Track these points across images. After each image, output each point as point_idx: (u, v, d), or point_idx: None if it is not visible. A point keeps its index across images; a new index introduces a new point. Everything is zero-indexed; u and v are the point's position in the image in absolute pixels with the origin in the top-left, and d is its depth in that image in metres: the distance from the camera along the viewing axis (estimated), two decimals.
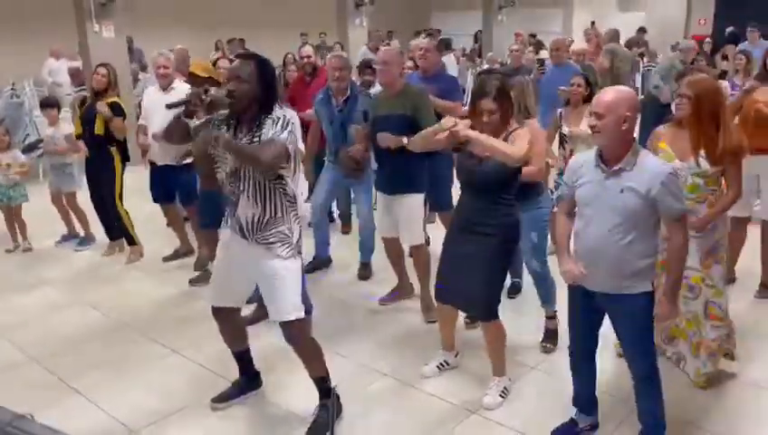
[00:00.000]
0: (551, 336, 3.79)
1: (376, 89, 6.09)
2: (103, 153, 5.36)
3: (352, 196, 5.44)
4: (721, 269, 3.33)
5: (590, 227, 2.62)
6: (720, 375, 3.41)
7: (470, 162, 3.13)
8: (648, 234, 2.59)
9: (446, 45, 10.97)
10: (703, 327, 3.33)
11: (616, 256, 2.56)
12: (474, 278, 3.15)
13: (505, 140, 3.07)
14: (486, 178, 3.08)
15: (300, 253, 2.99)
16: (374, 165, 4.62)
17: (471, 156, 3.13)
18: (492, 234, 3.10)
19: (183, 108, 2.82)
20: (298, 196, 3.00)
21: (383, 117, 4.03)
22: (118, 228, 5.59)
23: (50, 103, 5.89)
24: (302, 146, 4.21)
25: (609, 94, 2.56)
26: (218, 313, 3.15)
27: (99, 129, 5.29)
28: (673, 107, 3.51)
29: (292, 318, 2.91)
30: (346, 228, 6.01)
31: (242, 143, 2.77)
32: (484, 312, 3.24)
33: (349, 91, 4.67)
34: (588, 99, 4.72)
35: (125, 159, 5.48)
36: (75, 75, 9.23)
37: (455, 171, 3.68)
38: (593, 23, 14.01)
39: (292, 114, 3.00)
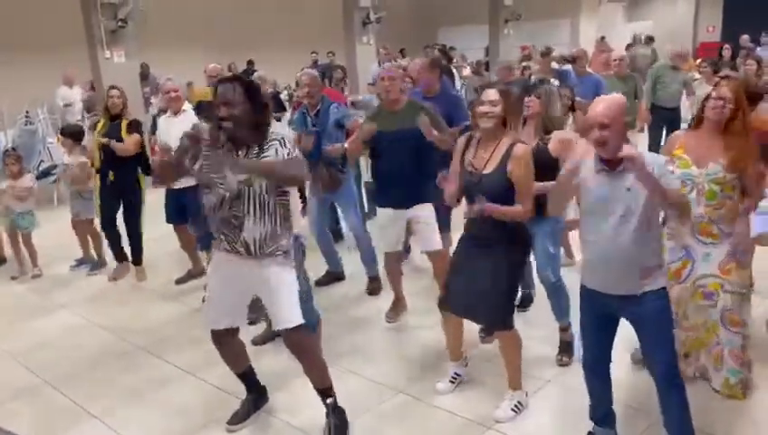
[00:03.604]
0: (565, 349, 3.74)
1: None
2: (129, 172, 5.42)
3: (339, 211, 5.46)
4: (744, 275, 3.26)
5: (601, 232, 2.61)
6: (748, 384, 3.34)
7: (473, 176, 3.15)
8: (655, 230, 2.63)
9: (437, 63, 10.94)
10: (719, 334, 3.27)
11: (629, 255, 2.56)
12: (487, 289, 3.15)
13: (507, 154, 3.08)
14: (490, 190, 3.08)
15: (294, 266, 3.04)
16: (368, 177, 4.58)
17: (473, 171, 3.15)
18: (502, 245, 3.12)
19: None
20: (294, 211, 3.08)
21: (391, 133, 3.97)
22: (134, 248, 5.63)
23: (69, 133, 5.93)
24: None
25: (604, 104, 2.56)
26: (217, 337, 3.15)
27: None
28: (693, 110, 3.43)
29: (293, 325, 2.96)
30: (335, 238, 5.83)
31: (272, 163, 2.83)
32: (500, 321, 3.23)
33: (320, 105, 4.74)
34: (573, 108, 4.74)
35: (146, 172, 5.54)
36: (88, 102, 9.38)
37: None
38: (603, 37, 14.08)
39: (286, 133, 3.12)
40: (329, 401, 3.10)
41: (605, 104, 2.56)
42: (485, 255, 3.15)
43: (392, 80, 4.01)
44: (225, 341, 3.17)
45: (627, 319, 2.74)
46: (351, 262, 5.29)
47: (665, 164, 2.61)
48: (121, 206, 5.54)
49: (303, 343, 3.05)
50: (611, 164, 2.58)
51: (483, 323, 3.41)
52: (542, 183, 3.21)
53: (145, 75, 11.40)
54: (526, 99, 3.62)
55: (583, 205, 2.70)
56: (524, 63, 8.60)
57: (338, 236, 5.99)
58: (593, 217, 2.65)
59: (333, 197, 4.93)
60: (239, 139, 2.85)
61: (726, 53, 10.64)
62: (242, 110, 2.80)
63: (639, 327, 2.73)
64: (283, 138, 2.89)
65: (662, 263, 2.68)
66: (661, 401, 2.74)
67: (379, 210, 4.33)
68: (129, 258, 5.69)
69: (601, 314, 2.75)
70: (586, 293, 2.77)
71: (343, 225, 5.89)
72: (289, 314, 2.97)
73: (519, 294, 4.39)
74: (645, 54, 12.86)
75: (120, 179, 5.43)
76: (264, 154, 2.85)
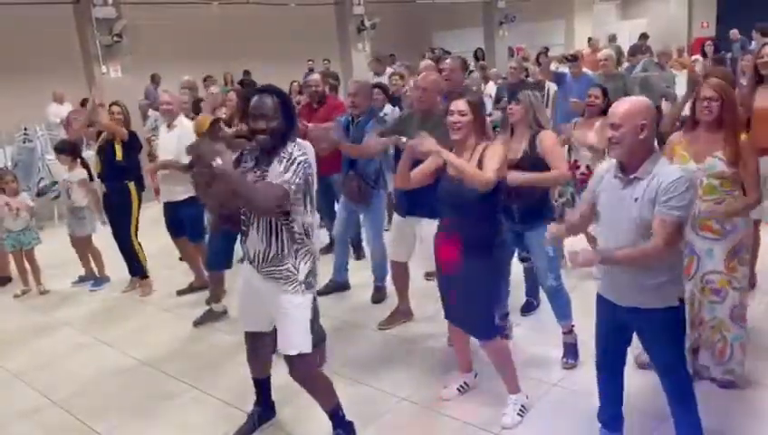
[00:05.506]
0: (571, 351, 3.73)
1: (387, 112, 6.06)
2: (121, 186, 5.41)
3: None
4: (745, 271, 3.29)
5: (609, 240, 2.58)
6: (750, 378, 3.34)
7: (451, 185, 3.10)
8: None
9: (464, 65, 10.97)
10: (728, 330, 3.27)
11: (635, 269, 2.51)
12: (465, 299, 3.14)
13: (482, 154, 3.07)
14: (469, 197, 3.02)
15: (310, 289, 2.94)
16: (390, 188, 4.52)
17: (451, 178, 3.11)
18: (478, 252, 3.07)
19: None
20: (312, 229, 2.96)
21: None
22: (135, 262, 5.64)
23: (65, 148, 5.93)
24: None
25: (623, 105, 2.55)
26: (250, 336, 3.18)
27: (119, 154, 5.33)
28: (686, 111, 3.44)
29: (293, 353, 2.90)
30: (357, 255, 5.90)
31: (243, 180, 2.71)
32: (480, 331, 3.22)
33: (363, 117, 4.66)
34: (605, 112, 4.72)
35: (141, 187, 5.54)
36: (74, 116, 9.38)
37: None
38: (590, 39, 14.27)
39: (303, 149, 2.89)
40: (338, 420, 3.06)
41: (625, 104, 2.54)
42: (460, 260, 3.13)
43: (425, 91, 3.93)
44: (255, 341, 3.18)
45: (635, 331, 2.72)
46: (357, 270, 5.30)
47: (680, 182, 2.41)
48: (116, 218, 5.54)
49: (305, 370, 2.98)
50: (625, 170, 2.55)
51: (466, 333, 3.38)
52: (523, 174, 3.28)
53: (156, 85, 11.42)
54: (509, 106, 3.64)
55: (598, 210, 2.67)
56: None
57: (359, 251, 5.90)
58: (604, 224, 2.62)
59: (360, 209, 4.88)
60: (269, 151, 2.80)
61: (708, 49, 10.65)
62: (279, 123, 2.76)
63: (647, 343, 2.71)
64: (285, 156, 2.77)
65: (675, 279, 2.59)
66: (673, 413, 2.70)
67: (395, 217, 4.26)
68: (144, 272, 5.67)
69: (613, 322, 2.72)
70: (599, 299, 2.75)
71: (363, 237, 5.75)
72: (292, 341, 2.88)
73: (523, 301, 4.43)
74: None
75: (110, 190, 5.49)
76: (267, 169, 2.80)
